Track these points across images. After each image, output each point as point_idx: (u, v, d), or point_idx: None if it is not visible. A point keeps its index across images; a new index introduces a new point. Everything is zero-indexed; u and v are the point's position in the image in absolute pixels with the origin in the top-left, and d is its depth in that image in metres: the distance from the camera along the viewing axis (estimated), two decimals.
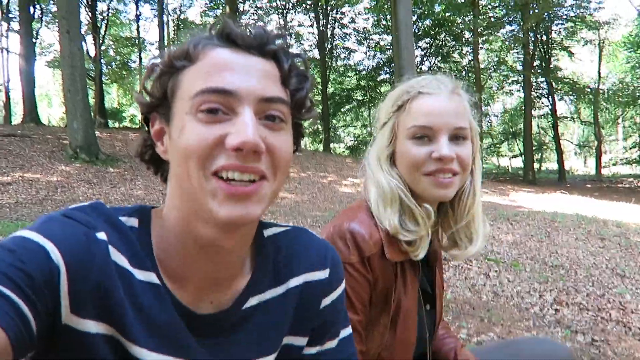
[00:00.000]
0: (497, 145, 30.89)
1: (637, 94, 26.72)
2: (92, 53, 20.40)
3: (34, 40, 18.00)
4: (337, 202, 9.66)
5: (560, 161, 26.36)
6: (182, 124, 0.56)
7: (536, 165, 27.97)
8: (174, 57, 0.58)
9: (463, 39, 26.39)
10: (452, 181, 0.90)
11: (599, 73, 27.83)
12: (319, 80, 27.36)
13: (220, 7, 23.33)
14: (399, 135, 0.93)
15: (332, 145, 26.53)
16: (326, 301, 0.70)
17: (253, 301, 0.65)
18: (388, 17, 23.36)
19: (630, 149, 30.30)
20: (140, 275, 0.57)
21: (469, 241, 0.95)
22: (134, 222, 0.61)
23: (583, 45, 27.83)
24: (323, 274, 0.70)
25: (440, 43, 26.86)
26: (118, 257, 0.56)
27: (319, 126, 30.05)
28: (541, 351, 1.07)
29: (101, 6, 22.07)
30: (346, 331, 0.72)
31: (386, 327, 0.86)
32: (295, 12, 26.25)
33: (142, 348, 0.55)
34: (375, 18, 26.00)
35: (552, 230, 7.40)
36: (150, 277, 0.58)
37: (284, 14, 26.05)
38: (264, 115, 0.58)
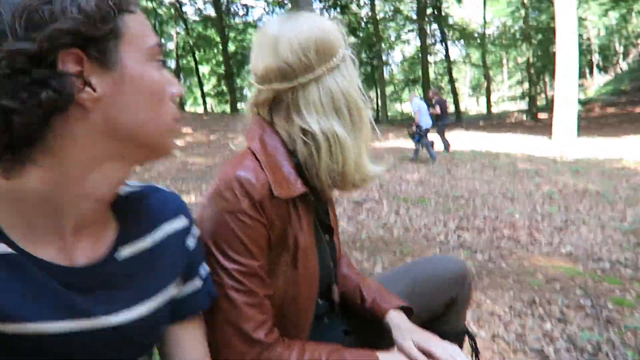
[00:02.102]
0: (399, 92, 32.29)
1: (517, 37, 29.13)
2: None
3: None
4: None
5: (457, 103, 28.29)
6: (145, 70, 0.59)
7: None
8: None
9: None
10: None
11: (484, 18, 29.69)
12: (217, 39, 26.15)
13: None
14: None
15: (239, 105, 25.84)
16: (189, 244, 0.75)
17: (125, 251, 0.65)
18: None
19: (515, 86, 33.26)
20: None
21: (342, 178, 0.92)
22: None
23: None
24: (181, 221, 0.74)
25: None
26: None
27: (224, 87, 29.05)
28: (440, 267, 1.16)
29: None
30: (206, 267, 0.79)
31: (288, 264, 0.87)
32: None
33: (27, 323, 0.51)
34: None
35: (452, 166, 8.03)
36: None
37: None
38: None
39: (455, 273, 1.15)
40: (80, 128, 0.54)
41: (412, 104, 9.66)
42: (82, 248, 0.61)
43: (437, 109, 10.09)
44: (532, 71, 27.02)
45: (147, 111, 0.59)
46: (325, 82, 0.85)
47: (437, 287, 1.13)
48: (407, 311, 1.03)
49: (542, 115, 24.71)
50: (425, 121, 9.12)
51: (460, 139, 13.69)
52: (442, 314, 1.15)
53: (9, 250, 0.52)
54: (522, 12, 26.91)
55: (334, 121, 0.85)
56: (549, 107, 22.15)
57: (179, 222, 0.73)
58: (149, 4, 23.42)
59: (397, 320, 0.98)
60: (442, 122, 10.23)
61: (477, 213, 4.56)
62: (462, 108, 33.23)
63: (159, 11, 25.88)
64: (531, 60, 26.88)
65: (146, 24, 0.61)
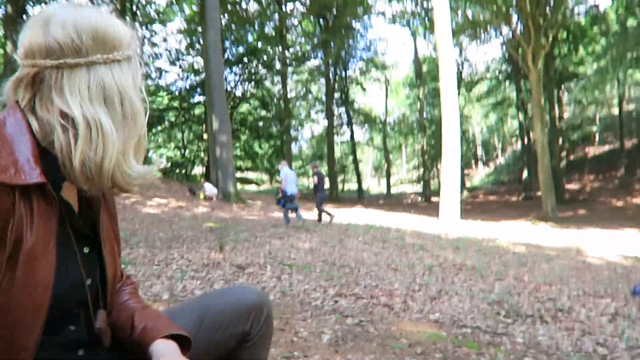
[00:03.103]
0: (306, 167, 33.44)
1: (414, 126, 32.30)
2: None
3: None
4: (138, 223, 8.92)
5: (359, 181, 29.82)
6: None
7: (340, 185, 31.05)
8: None
9: (274, 68, 27.96)
10: None
11: (386, 107, 32.65)
12: None
13: None
14: None
15: None
16: None
17: None
18: (201, 40, 23.27)
19: (412, 170, 36.15)
20: None
21: (99, 173, 0.86)
22: None
23: (373, 82, 32.43)
24: None
25: (253, 70, 27.87)
26: None
27: None
28: (234, 297, 1.06)
29: None
30: None
31: (2, 265, 0.72)
32: None
33: None
34: (188, 41, 25.61)
35: (345, 237, 8.17)
36: None
37: None
38: None
39: (249, 304, 1.04)
40: None
41: (280, 172, 10.70)
42: None
43: (315, 180, 11.31)
44: (426, 158, 29.67)
45: None
46: (99, 71, 0.78)
47: (228, 320, 1.01)
48: (186, 343, 0.89)
49: (435, 198, 26.81)
50: (290, 188, 10.19)
51: (359, 215, 14.20)
52: (233, 352, 1.02)
53: None
54: (418, 105, 30.07)
55: (101, 110, 0.77)
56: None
57: None
58: None
59: (162, 349, 0.83)
60: (319, 194, 11.18)
61: (359, 281, 4.57)
62: (365, 187, 35.04)
63: None
64: (425, 148, 29.63)
65: None
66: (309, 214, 12.89)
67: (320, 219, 11.00)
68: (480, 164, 40.88)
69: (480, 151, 41.04)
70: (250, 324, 1.03)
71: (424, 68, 30.58)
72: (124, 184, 0.81)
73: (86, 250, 0.84)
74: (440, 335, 2.96)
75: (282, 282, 4.26)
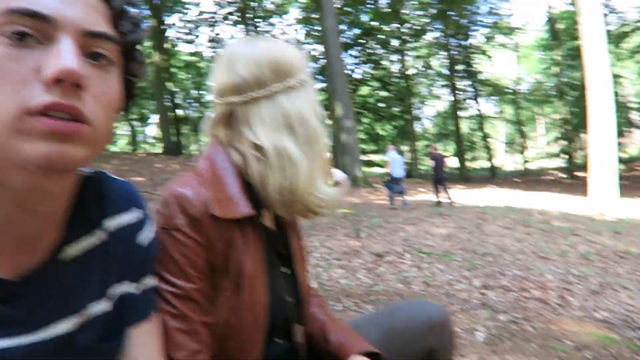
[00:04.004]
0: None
1: (551, 93, 28.96)
2: None
3: None
4: None
5: (490, 158, 27.92)
6: None
7: (469, 164, 29.41)
8: None
9: (391, 46, 27.39)
10: None
11: (517, 74, 29.86)
12: None
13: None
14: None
15: None
16: (141, 239, 0.69)
17: (70, 251, 0.58)
18: (318, 27, 23.78)
19: (551, 142, 32.67)
20: None
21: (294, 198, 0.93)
22: None
23: (499, 49, 29.80)
24: (133, 214, 0.68)
25: (370, 51, 27.67)
26: None
27: None
28: (418, 312, 1.06)
29: None
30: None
31: (231, 291, 0.80)
32: (224, 24, 25.98)
33: None
34: (306, 30, 26.36)
35: (483, 221, 7.75)
36: None
37: (214, 26, 25.74)
38: (88, 52, 0.49)
39: (434, 320, 1.05)
40: None
41: (386, 155, 11.23)
42: (28, 254, 0.55)
43: (431, 163, 11.43)
44: (568, 128, 26.55)
45: None
46: (279, 100, 0.84)
47: (413, 335, 1.03)
48: (377, 358, 0.94)
49: (581, 173, 23.96)
50: (397, 171, 10.54)
51: (494, 196, 13.37)
52: None
53: None
54: (555, 69, 26.88)
55: (285, 138, 0.83)
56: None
57: (131, 216, 0.67)
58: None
59: None
60: (437, 176, 11.10)
61: (505, 271, 4.31)
62: (497, 164, 32.71)
63: None
64: (567, 116, 26.49)
65: None
66: (429, 195, 12.50)
67: (451, 202, 10.69)
68: (636, 130, 35.28)
69: (634, 116, 35.40)
70: (435, 340, 1.04)
71: (560, 25, 27.14)
72: (315, 207, 0.86)
73: (285, 270, 0.93)
74: (612, 337, 2.66)
75: (423, 271, 4.22)
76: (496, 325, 2.78)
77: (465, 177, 24.05)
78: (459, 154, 26.12)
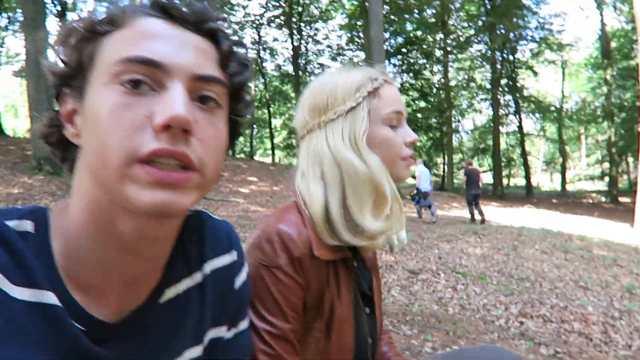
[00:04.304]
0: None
1: (598, 113, 27.87)
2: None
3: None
4: None
5: (528, 177, 27.14)
6: (99, 97, 0.48)
7: (505, 181, 28.66)
8: (96, 20, 0.50)
9: (434, 57, 27.04)
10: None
11: (562, 92, 28.90)
12: (293, 95, 27.50)
13: None
14: (372, 121, 0.89)
15: None
16: (238, 283, 0.69)
17: (169, 293, 0.59)
18: (361, 34, 23.75)
19: (594, 164, 31.43)
20: (24, 294, 0.48)
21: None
22: (27, 226, 0.51)
23: (547, 65, 28.92)
24: (231, 256, 0.68)
25: (412, 60, 27.41)
26: None
27: (293, 140, 30.09)
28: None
29: (71, 15, 21.67)
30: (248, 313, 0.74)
31: (321, 332, 0.81)
32: (269, 27, 26.34)
33: None
34: (349, 35, 26.38)
35: (519, 243, 7.55)
36: (40, 295, 0.49)
37: (258, 29, 26.13)
38: (197, 96, 0.51)
39: None
40: (79, 165, 0.53)
41: (414, 168, 10.72)
42: (130, 295, 0.56)
43: (464, 178, 11.27)
44: (613, 150, 25.50)
45: (94, 148, 0.47)
46: (313, 138, 0.91)
47: None
48: None
49: (624, 199, 22.97)
50: (424, 185, 10.53)
51: (530, 216, 12.99)
52: None
53: (53, 301, 0.49)
54: (604, 88, 25.88)
55: (317, 174, 0.90)
56: (632, 189, 20.63)
57: (229, 258, 0.67)
58: None
59: None
60: (470, 192, 10.82)
61: (544, 300, 4.19)
62: (534, 183, 31.74)
63: None
64: (613, 138, 25.45)
65: (125, 40, 0.49)
66: (463, 211, 12.23)
67: (483, 219, 10.45)
68: None
69: None
70: None
71: (613, 44, 26.10)
72: (372, 238, 0.87)
73: (367, 311, 0.93)
74: None
75: (459, 293, 4.15)
76: (537, 358, 2.70)
77: (500, 194, 23.43)
78: (495, 170, 25.51)
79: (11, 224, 0.50)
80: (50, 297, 0.49)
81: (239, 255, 0.69)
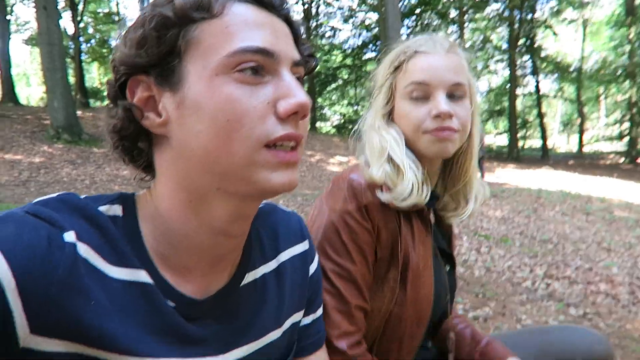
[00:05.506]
0: (483, 123, 31.11)
1: (619, 72, 26.98)
2: (71, 31, 19.72)
3: (8, 17, 17.29)
4: (325, 181, 9.64)
5: (544, 138, 26.70)
6: (211, 86, 0.48)
7: (520, 143, 28.25)
8: (188, 7, 0.49)
9: (448, 17, 26.20)
10: (452, 135, 0.86)
11: (582, 51, 27.97)
12: None
13: None
14: (396, 96, 0.91)
15: (318, 124, 26.36)
16: (312, 270, 0.72)
17: (249, 277, 0.63)
18: None
19: (613, 124, 30.74)
20: (121, 274, 0.50)
21: (466, 202, 0.95)
22: (116, 210, 0.54)
23: (567, 24, 27.89)
24: (303, 245, 0.71)
25: (426, 21, 26.60)
26: (92, 257, 0.48)
27: None
28: (578, 341, 1.01)
29: None
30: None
31: (396, 282, 0.83)
32: None
33: (138, 357, 0.49)
34: None
35: (539, 206, 7.51)
36: (135, 274, 0.51)
37: None
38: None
39: (597, 353, 0.98)
40: (166, 155, 0.53)
41: None
42: (214, 275, 0.58)
43: None
44: (634, 111, 24.83)
45: (211, 137, 0.48)
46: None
47: None
48: None
49: None
50: None
51: (547, 178, 12.85)
52: None
53: (147, 279, 0.52)
54: (627, 47, 24.95)
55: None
56: None
57: (302, 246, 0.71)
58: None
59: None
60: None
61: (568, 261, 4.19)
62: (550, 145, 31.25)
63: None
64: (634, 98, 24.74)
65: (228, 28, 0.50)
66: (488, 174, 12.14)
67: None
68: None
69: None
70: None
71: (637, 0, 24.95)
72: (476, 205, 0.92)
73: (447, 268, 0.94)
74: None
75: (482, 255, 4.17)
76: (568, 320, 2.73)
77: (515, 156, 23.16)
78: (511, 132, 25.08)
79: (102, 208, 0.53)
80: (144, 276, 0.52)
81: (310, 244, 0.73)
